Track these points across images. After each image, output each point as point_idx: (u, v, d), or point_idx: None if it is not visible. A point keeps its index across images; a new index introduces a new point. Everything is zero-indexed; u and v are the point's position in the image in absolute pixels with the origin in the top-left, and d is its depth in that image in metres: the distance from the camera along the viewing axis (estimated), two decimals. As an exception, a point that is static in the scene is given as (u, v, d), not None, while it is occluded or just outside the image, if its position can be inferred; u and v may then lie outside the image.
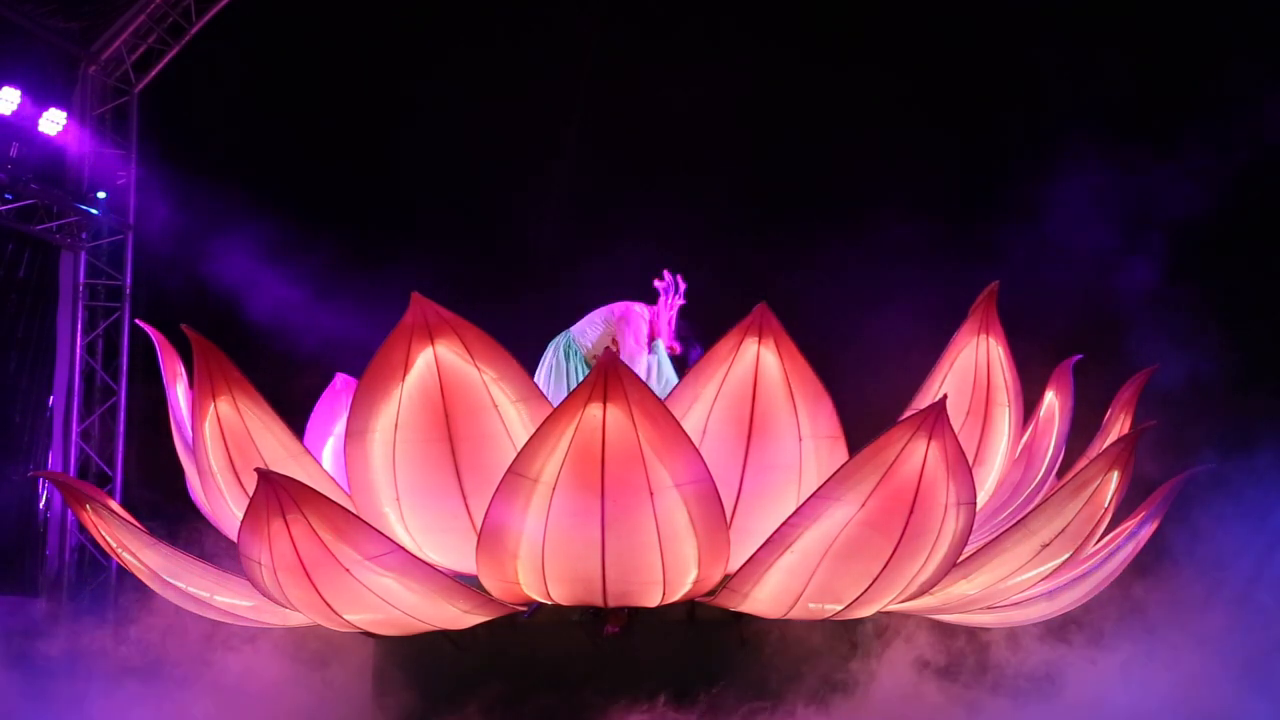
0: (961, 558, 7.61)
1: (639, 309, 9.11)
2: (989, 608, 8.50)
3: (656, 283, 9.18)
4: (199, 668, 9.92)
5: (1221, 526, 10.55)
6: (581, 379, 7.56)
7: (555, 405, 6.86)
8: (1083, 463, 8.47)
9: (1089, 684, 9.07)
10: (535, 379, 8.79)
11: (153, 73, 14.53)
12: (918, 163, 12.96)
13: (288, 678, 9.86)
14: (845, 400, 7.37)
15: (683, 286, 9.19)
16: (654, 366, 9.04)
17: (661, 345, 9.12)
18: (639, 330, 9.03)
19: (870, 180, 13.12)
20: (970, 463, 7.30)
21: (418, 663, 8.33)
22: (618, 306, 9.13)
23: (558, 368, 8.89)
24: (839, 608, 7.58)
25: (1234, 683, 9.36)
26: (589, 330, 9.05)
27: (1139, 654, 9.37)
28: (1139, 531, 8.69)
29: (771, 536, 7.08)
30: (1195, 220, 11.96)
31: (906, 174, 13.04)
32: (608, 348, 8.62)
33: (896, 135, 13.17)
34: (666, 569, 7.15)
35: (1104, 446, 8.39)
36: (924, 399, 7.93)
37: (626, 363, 8.51)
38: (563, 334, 9.08)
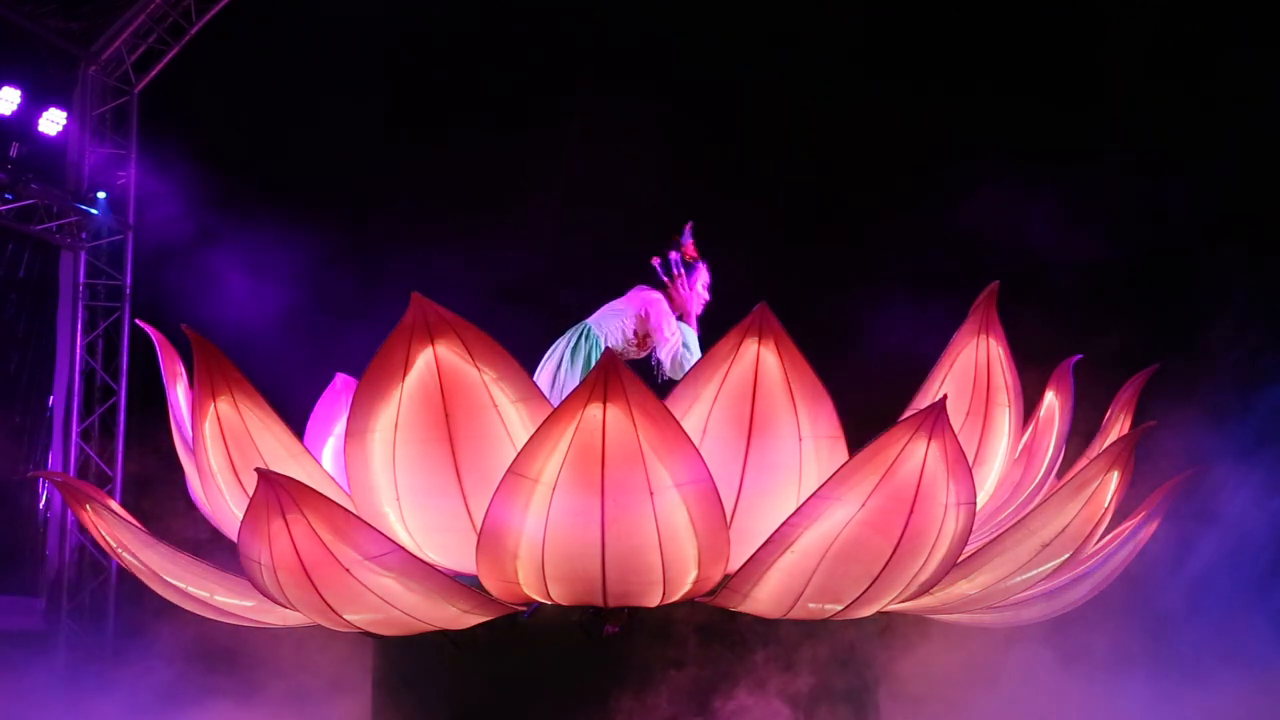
0: (961, 558, 7.61)
1: (657, 297, 9.04)
2: (989, 608, 8.50)
3: (673, 256, 9.10)
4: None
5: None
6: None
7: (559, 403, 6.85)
8: (1083, 463, 8.47)
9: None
10: (540, 373, 8.81)
11: (153, 73, 14.54)
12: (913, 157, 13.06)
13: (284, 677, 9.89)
14: (845, 400, 7.37)
15: (691, 256, 9.09)
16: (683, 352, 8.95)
17: (688, 327, 9.07)
18: (668, 318, 8.97)
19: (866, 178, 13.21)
20: (970, 463, 7.30)
21: (417, 663, 8.33)
22: (636, 299, 9.05)
23: (570, 362, 8.81)
24: (839, 607, 7.59)
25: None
26: (606, 323, 8.97)
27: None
28: (1139, 531, 8.69)
29: (771, 536, 7.08)
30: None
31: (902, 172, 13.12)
32: (607, 348, 8.61)
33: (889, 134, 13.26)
34: (666, 569, 7.15)
35: (1104, 446, 8.39)
36: (924, 399, 7.93)
37: (670, 356, 8.58)
38: (578, 326, 9.01)
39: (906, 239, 13.00)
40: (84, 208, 13.95)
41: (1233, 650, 10.13)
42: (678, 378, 8.61)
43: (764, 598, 7.46)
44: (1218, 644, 10.22)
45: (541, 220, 14.15)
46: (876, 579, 7.28)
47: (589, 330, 8.95)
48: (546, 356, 9.01)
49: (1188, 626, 10.42)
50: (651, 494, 6.83)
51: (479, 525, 7.12)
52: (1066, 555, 8.05)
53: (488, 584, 7.45)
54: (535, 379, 8.80)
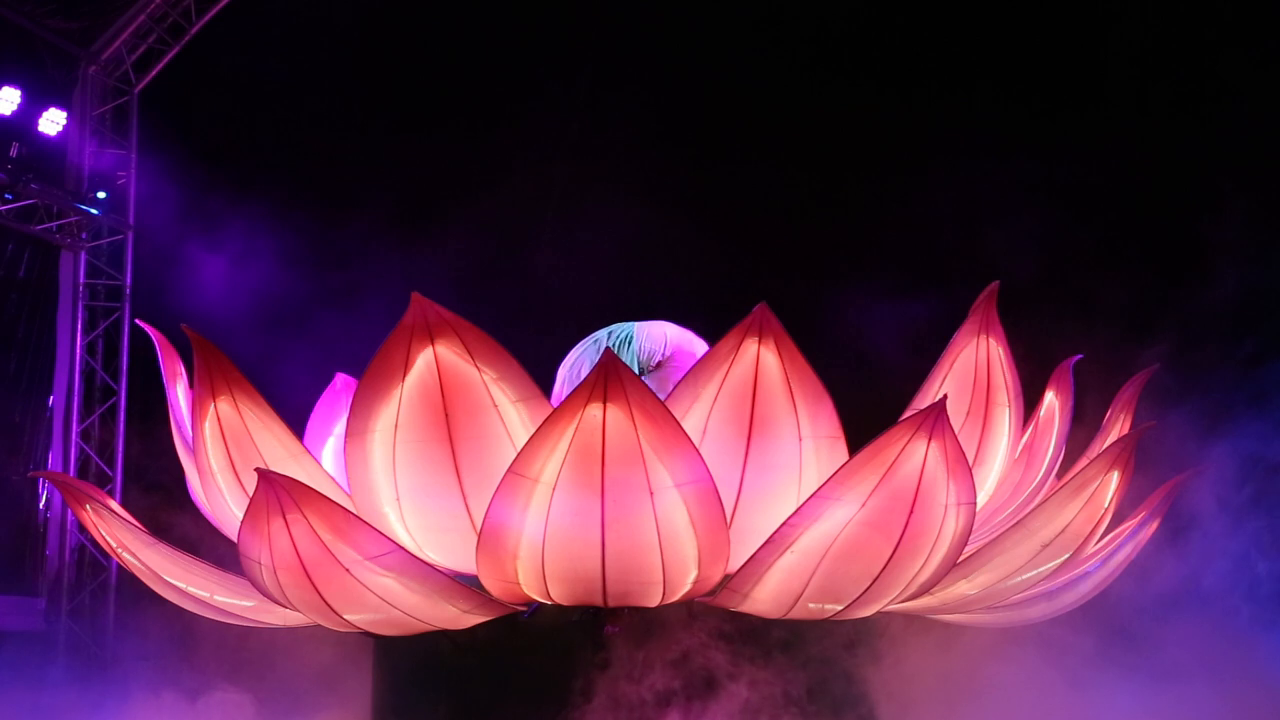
0: (961, 558, 7.61)
1: (699, 353, 8.97)
2: (989, 608, 8.50)
3: None
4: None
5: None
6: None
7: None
8: (1083, 463, 8.47)
9: None
10: (572, 362, 8.81)
11: (153, 73, 14.54)
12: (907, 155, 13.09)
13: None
14: (845, 400, 7.37)
15: None
16: None
17: None
18: None
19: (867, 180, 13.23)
20: (970, 463, 7.30)
21: (417, 663, 8.33)
22: (683, 350, 9.02)
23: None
24: (839, 608, 7.59)
25: None
26: (650, 345, 8.93)
27: None
28: (1139, 531, 8.69)
29: (771, 536, 7.08)
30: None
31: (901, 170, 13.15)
32: (608, 348, 8.61)
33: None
34: (666, 569, 7.15)
35: (1104, 446, 8.39)
36: (924, 399, 7.94)
37: None
38: (622, 326, 9.00)
39: (906, 238, 12.99)
40: (84, 208, 13.95)
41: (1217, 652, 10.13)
42: None
43: (764, 598, 7.46)
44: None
45: (539, 218, 14.16)
46: (876, 579, 7.28)
47: (631, 336, 8.96)
48: (590, 342, 8.98)
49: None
50: (651, 494, 6.83)
51: (479, 525, 7.13)
52: (1066, 555, 8.05)
53: (488, 584, 7.45)
54: (568, 366, 8.84)
